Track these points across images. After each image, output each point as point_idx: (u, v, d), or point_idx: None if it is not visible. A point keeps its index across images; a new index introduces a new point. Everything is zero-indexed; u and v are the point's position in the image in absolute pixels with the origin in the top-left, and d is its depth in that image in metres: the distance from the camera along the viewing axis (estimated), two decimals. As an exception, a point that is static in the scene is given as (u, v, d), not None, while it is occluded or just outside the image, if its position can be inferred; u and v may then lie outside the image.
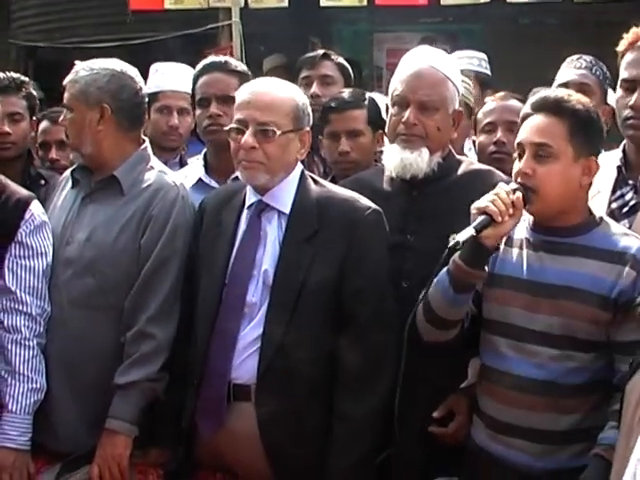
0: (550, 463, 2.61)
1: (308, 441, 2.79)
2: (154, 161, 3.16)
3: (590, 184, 2.68)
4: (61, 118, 3.13)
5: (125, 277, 2.97)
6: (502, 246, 2.69)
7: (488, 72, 4.81)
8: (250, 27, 6.33)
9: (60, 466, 2.92)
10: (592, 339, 2.59)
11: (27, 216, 2.99)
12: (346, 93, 3.66)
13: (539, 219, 2.68)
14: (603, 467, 2.41)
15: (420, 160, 2.93)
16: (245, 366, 2.79)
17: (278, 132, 2.79)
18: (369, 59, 7.61)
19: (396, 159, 2.95)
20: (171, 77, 4.20)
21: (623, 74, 2.89)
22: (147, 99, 4.04)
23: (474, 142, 3.88)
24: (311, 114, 2.97)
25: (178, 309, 2.96)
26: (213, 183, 3.46)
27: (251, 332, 2.80)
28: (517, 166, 2.65)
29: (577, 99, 2.65)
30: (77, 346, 2.97)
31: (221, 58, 3.66)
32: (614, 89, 3.33)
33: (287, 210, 2.86)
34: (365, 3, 6.33)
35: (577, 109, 2.61)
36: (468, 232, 2.49)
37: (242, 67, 3.60)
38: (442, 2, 6.22)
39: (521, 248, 2.71)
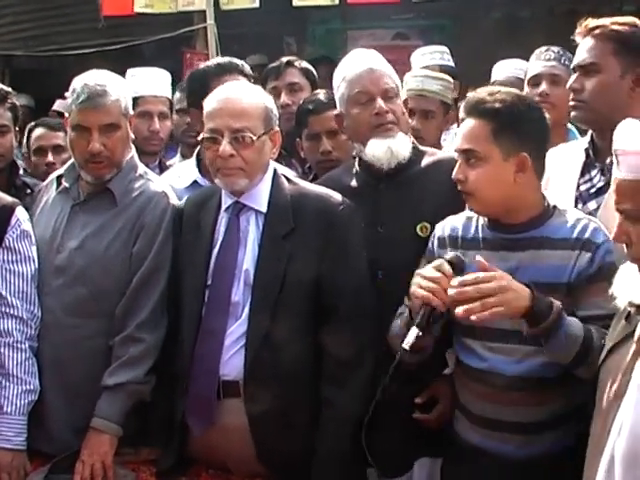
0: (533, 450, 2.64)
1: (298, 434, 2.82)
2: (141, 167, 3.19)
3: (530, 179, 2.64)
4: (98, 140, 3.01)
5: (116, 284, 3.00)
6: (460, 251, 2.69)
7: (451, 64, 4.93)
8: (225, 29, 6.34)
9: (49, 467, 2.93)
10: None
11: (13, 221, 3.01)
12: (321, 95, 3.74)
13: (490, 218, 2.69)
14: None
15: (403, 144, 3.03)
16: (233, 363, 2.82)
17: (254, 137, 2.82)
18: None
19: (383, 149, 3.01)
20: (150, 82, 4.21)
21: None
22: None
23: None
24: (277, 114, 3.00)
25: (166, 315, 2.99)
26: (208, 184, 3.42)
27: (237, 330, 2.83)
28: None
29: (498, 97, 2.62)
30: (70, 351, 2.99)
31: (235, 61, 3.61)
32: None
33: (264, 209, 2.90)
34: (337, 2, 6.34)
35: (497, 108, 2.59)
36: (413, 333, 2.47)
37: (248, 70, 3.57)
38: (413, -1, 6.29)
39: (479, 249, 2.70)
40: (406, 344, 2.46)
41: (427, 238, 2.89)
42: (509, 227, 2.67)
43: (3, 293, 2.99)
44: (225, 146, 2.80)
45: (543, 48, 4.02)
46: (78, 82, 3.03)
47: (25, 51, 7.10)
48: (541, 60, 3.98)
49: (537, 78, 3.93)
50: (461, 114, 2.71)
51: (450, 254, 2.59)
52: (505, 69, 4.70)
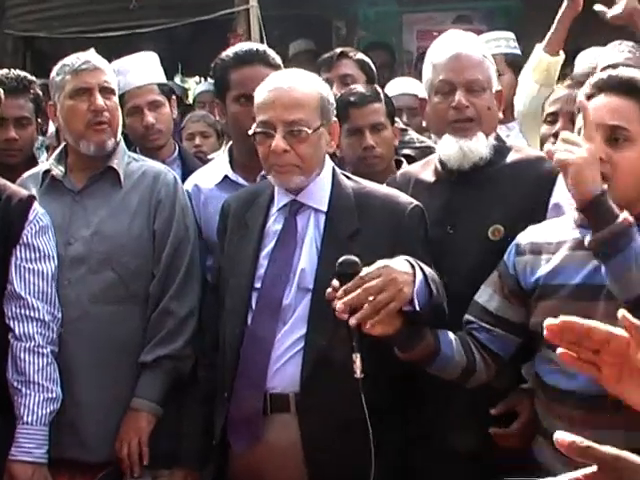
0: None
1: (356, 454, 2.52)
2: (128, 153, 3.25)
3: None
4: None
5: (144, 263, 3.03)
6: (544, 255, 2.51)
7: (518, 52, 4.69)
8: (268, 11, 6.14)
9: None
10: None
11: (31, 217, 2.94)
12: (362, 87, 3.63)
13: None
14: None
15: (479, 145, 2.85)
16: (282, 374, 2.66)
17: (309, 131, 2.68)
18: (398, 43, 7.31)
19: (454, 148, 2.85)
20: (132, 73, 3.90)
21: None
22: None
23: None
24: (334, 103, 2.86)
25: (196, 286, 3.04)
26: (240, 180, 3.27)
27: (286, 336, 2.68)
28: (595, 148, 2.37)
29: None
30: (103, 343, 2.96)
31: (256, 48, 3.39)
32: None
33: (324, 207, 2.77)
34: (391, -19, 6.24)
35: None
36: (357, 360, 2.36)
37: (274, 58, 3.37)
38: (475, -23, 6.09)
39: (574, 250, 2.47)
40: (358, 374, 2.37)
41: (498, 242, 2.74)
42: None
43: (22, 294, 2.90)
44: (278, 141, 2.66)
45: (616, 42, 3.84)
46: (66, 60, 3.08)
47: (48, 33, 6.99)
48: (616, 52, 3.79)
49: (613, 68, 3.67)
50: (588, 89, 2.45)
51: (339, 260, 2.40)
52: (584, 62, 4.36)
